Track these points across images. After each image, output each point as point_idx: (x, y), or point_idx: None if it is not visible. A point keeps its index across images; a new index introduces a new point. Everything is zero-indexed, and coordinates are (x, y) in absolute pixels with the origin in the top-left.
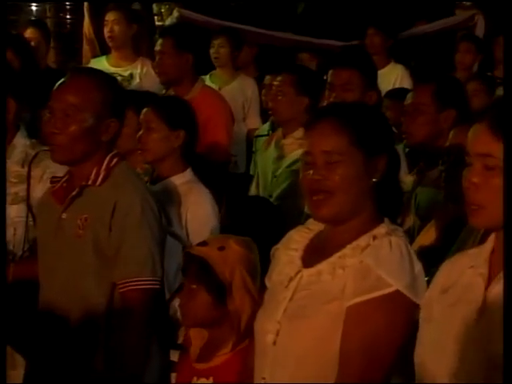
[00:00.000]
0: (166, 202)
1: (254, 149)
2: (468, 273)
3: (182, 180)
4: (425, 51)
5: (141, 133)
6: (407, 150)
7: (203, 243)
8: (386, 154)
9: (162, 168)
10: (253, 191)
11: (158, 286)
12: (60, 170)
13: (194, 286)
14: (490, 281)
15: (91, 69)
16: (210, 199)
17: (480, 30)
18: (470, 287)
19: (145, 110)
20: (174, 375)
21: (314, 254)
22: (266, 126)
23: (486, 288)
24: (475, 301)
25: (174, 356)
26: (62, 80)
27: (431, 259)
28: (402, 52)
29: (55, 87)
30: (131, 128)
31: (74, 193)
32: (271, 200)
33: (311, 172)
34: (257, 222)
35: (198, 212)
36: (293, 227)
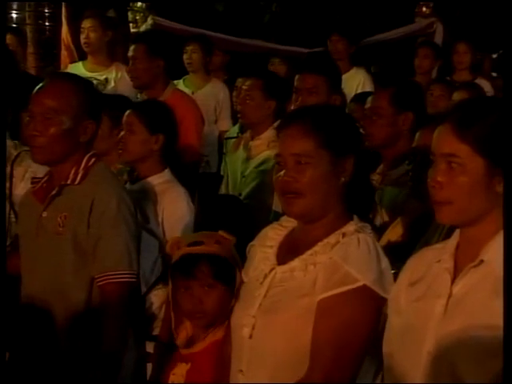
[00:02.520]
0: (144, 200)
1: (224, 150)
2: (435, 267)
3: (160, 180)
4: (386, 57)
5: (122, 134)
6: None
7: (198, 243)
8: (353, 155)
9: (142, 168)
10: (223, 190)
11: (134, 280)
12: (41, 169)
13: (210, 284)
14: (455, 274)
15: (68, 74)
16: (186, 198)
17: (439, 37)
18: (437, 281)
19: (127, 112)
20: (149, 365)
21: (288, 251)
22: (236, 128)
23: (452, 282)
24: (442, 294)
25: (150, 347)
26: (41, 85)
27: (398, 254)
28: (363, 57)
29: (34, 91)
30: (104, 130)
31: (53, 192)
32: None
33: (282, 173)
34: (227, 218)
35: (175, 210)
36: (261, 224)
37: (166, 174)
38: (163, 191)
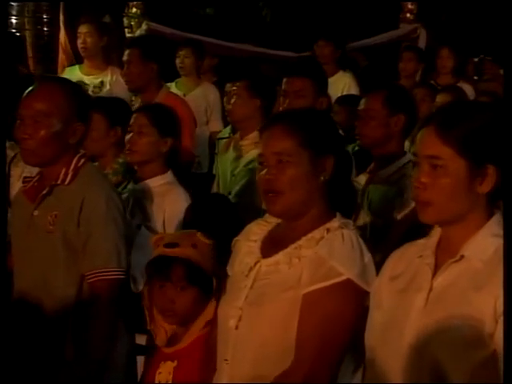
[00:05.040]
0: (147, 200)
1: (216, 150)
2: (416, 262)
3: (163, 181)
4: (371, 61)
5: (131, 135)
6: (356, 149)
7: (173, 245)
8: (333, 155)
9: (146, 169)
10: (215, 189)
11: (123, 276)
12: (37, 170)
13: (183, 286)
14: (436, 270)
15: (57, 77)
16: (186, 199)
17: (422, 42)
18: (418, 275)
19: (138, 114)
20: (140, 358)
21: (272, 245)
22: (228, 129)
23: (433, 277)
24: (422, 288)
25: (141, 340)
26: (31, 88)
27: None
28: (349, 61)
29: (24, 95)
30: (100, 132)
31: (44, 191)
32: (230, 197)
33: (264, 172)
34: (216, 217)
35: (176, 211)
36: (250, 221)
37: (169, 176)
38: (165, 192)
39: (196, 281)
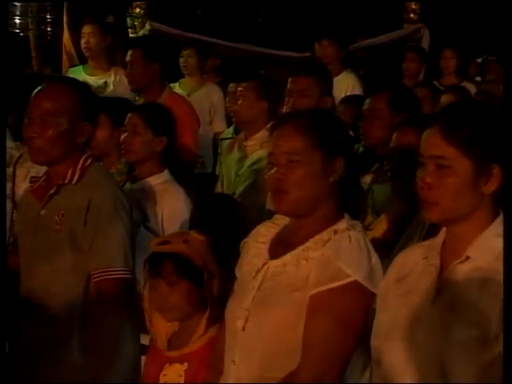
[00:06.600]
0: (144, 199)
1: (219, 151)
2: (421, 263)
3: (160, 180)
4: (375, 61)
5: (125, 135)
6: (361, 150)
7: (165, 242)
8: (343, 156)
9: (142, 168)
10: (219, 190)
11: (129, 276)
12: (43, 170)
13: (173, 281)
14: (441, 271)
15: (65, 77)
16: (184, 197)
17: (426, 42)
18: (423, 277)
19: (132, 114)
20: (143, 358)
21: (280, 246)
22: (231, 129)
23: (438, 278)
24: (428, 289)
25: (146, 340)
26: (39, 88)
27: (383, 251)
28: (353, 61)
29: (33, 94)
30: (105, 132)
31: (51, 191)
32: (234, 197)
33: (274, 171)
34: (221, 216)
35: (174, 209)
36: (254, 221)
37: (165, 175)
38: (163, 191)
39: (186, 274)
